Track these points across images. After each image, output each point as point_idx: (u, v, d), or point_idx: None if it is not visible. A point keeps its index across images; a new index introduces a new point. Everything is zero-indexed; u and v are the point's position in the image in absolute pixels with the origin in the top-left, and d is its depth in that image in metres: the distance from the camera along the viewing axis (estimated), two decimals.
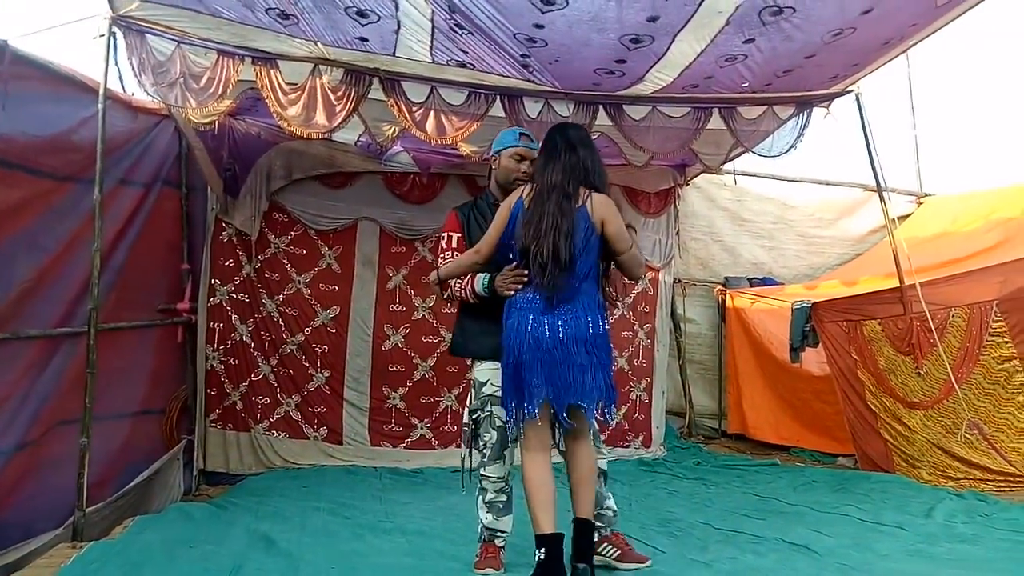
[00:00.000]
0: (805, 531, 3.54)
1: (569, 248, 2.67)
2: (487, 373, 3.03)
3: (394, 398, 5.59)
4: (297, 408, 5.40)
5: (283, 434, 5.35)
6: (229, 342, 5.26)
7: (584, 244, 2.72)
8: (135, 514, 3.87)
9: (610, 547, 3.04)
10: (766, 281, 6.94)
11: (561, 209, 2.70)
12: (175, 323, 5.04)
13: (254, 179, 5.25)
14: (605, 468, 3.14)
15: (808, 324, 5.42)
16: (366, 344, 5.59)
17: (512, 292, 2.80)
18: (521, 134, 3.17)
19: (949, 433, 4.73)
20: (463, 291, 3.01)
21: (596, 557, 2.99)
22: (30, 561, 3.04)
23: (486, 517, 3.03)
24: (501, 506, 3.03)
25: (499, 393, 2.91)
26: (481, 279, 2.94)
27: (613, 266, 2.95)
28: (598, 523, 3.01)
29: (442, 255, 3.13)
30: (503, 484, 3.03)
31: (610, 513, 3.11)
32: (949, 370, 4.70)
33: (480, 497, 3.07)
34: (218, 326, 5.23)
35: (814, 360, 5.68)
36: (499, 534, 3.03)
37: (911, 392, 4.87)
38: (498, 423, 2.98)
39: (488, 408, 3.02)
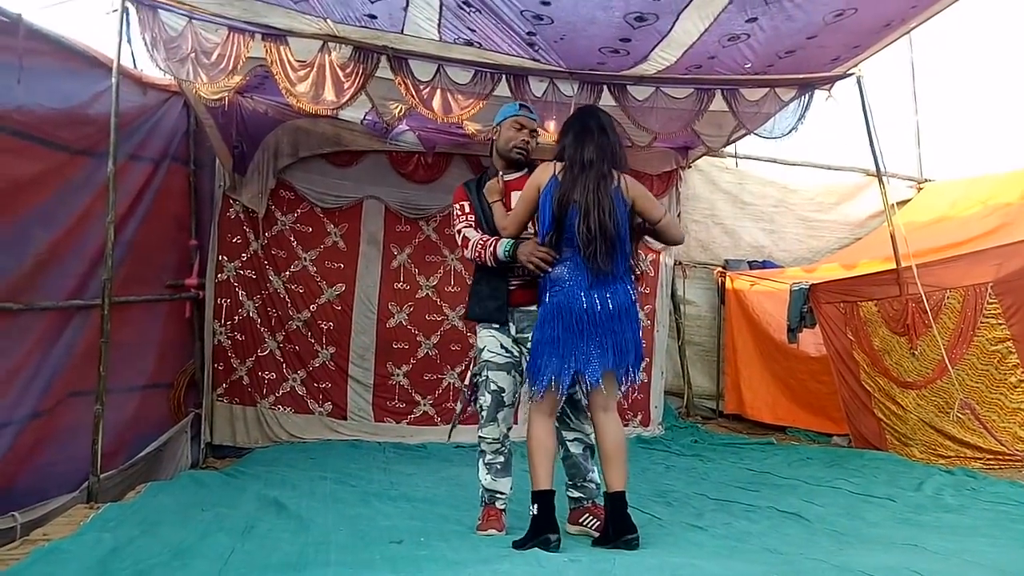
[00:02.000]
0: (797, 501, 3.65)
1: (614, 225, 2.78)
2: (484, 339, 3.15)
3: (398, 375, 5.69)
4: (302, 383, 5.50)
5: (288, 409, 5.45)
6: (236, 317, 5.35)
7: (622, 221, 2.84)
8: (146, 482, 3.98)
9: (591, 518, 3.15)
10: (766, 264, 7.01)
11: (600, 188, 2.80)
12: (183, 298, 5.13)
13: (261, 156, 5.32)
14: (592, 443, 3.21)
15: (806, 305, 5.50)
16: (371, 321, 5.68)
17: (532, 266, 2.88)
18: (521, 105, 3.26)
19: (941, 412, 4.82)
20: (483, 251, 3.05)
21: (577, 528, 3.16)
22: (50, 519, 3.15)
23: (485, 478, 3.13)
24: (499, 467, 3.13)
25: (495, 359, 3.08)
26: (504, 244, 2.99)
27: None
28: (581, 494, 3.17)
29: (456, 222, 3.21)
30: (499, 445, 3.12)
31: (592, 486, 3.20)
32: (943, 351, 4.79)
33: (480, 459, 3.17)
34: (225, 302, 5.32)
35: (811, 341, 5.77)
36: (499, 496, 3.13)
37: (905, 372, 4.96)
38: (493, 387, 3.08)
39: (484, 373, 3.12)
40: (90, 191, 3.96)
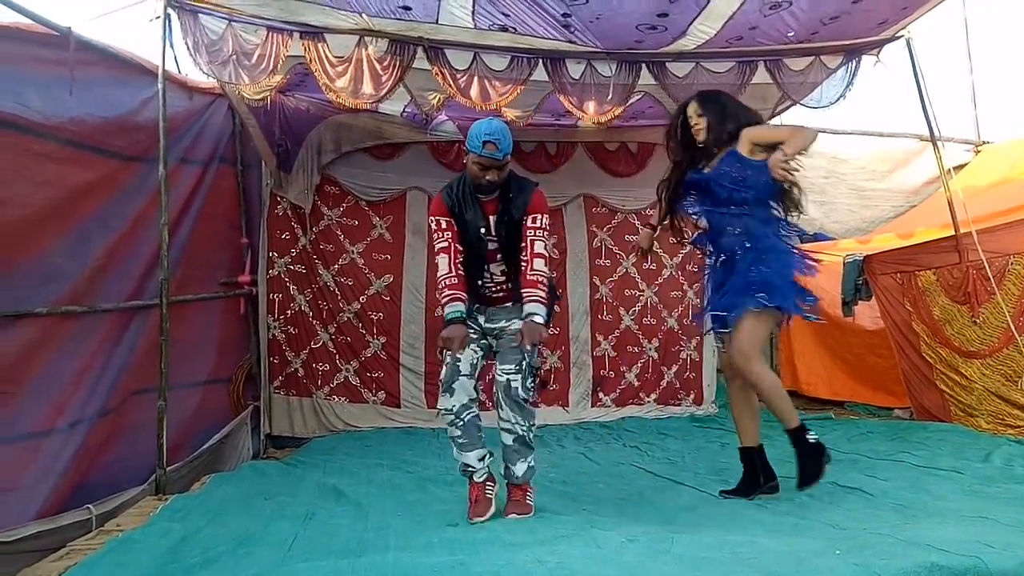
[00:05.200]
0: (859, 476, 3.57)
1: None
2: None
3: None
4: (356, 374, 5.60)
5: (343, 399, 5.55)
6: (289, 312, 5.47)
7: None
8: (210, 473, 4.11)
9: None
10: (817, 237, 6.82)
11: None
12: (237, 295, 5.26)
13: (305, 153, 5.41)
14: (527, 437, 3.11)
15: (860, 277, 5.37)
16: (419, 310, 5.74)
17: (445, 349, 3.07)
18: (485, 142, 2.99)
19: (1009, 381, 4.65)
20: (439, 296, 3.20)
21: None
22: (122, 511, 3.28)
23: (454, 451, 3.14)
24: (459, 441, 3.07)
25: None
26: (449, 312, 3.10)
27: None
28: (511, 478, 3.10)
29: (433, 241, 3.20)
30: (453, 417, 3.05)
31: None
32: (1008, 318, 4.61)
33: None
34: (278, 297, 5.43)
35: (866, 315, 5.63)
36: (468, 469, 3.10)
37: (968, 342, 4.80)
38: (447, 359, 3.08)
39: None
40: (143, 196, 4.07)
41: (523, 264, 3.11)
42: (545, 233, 3.15)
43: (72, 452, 3.43)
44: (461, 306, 3.09)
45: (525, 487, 3.13)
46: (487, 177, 3.04)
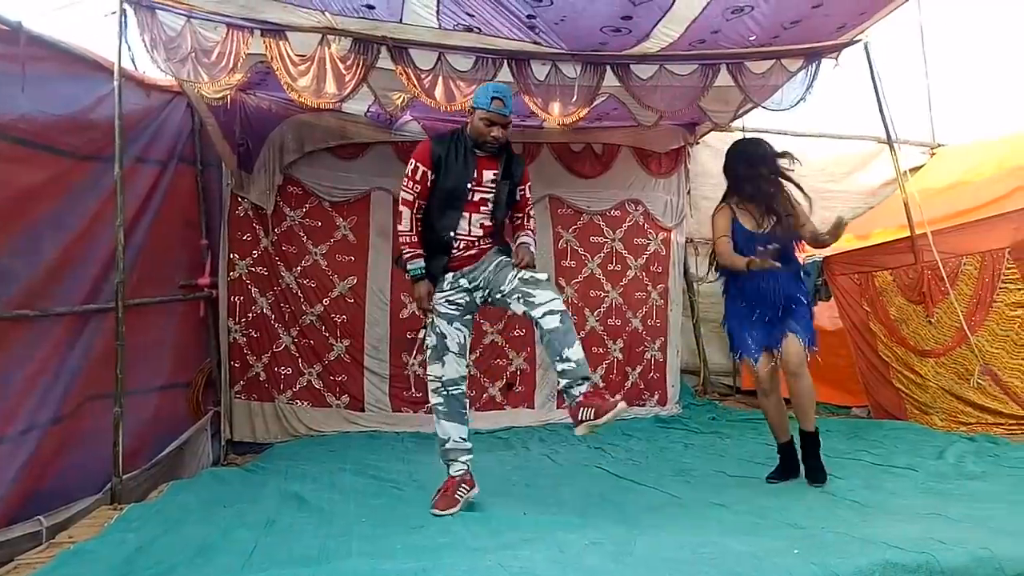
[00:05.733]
0: None
1: None
2: (435, 296, 3.32)
3: (414, 365, 5.69)
4: (319, 377, 5.53)
5: (306, 403, 5.48)
6: (250, 315, 5.37)
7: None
8: (168, 481, 4.02)
9: (588, 409, 2.95)
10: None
11: None
12: (197, 298, 5.15)
13: (267, 153, 5.32)
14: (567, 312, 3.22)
15: (820, 278, 5.46)
16: (384, 313, 5.69)
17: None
18: (494, 98, 3.19)
19: (961, 379, 4.78)
20: (401, 251, 3.37)
21: (583, 428, 2.95)
22: (75, 522, 3.19)
23: (435, 422, 3.29)
24: (440, 410, 3.26)
25: (439, 309, 3.26)
26: (413, 268, 3.28)
27: None
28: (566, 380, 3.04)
29: (403, 184, 3.28)
30: (438, 384, 3.24)
31: (572, 364, 3.04)
32: (961, 318, 4.73)
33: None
34: (239, 299, 5.34)
35: (826, 315, 5.71)
36: (447, 448, 3.24)
37: (923, 341, 4.92)
38: (437, 331, 3.25)
39: (432, 319, 3.29)
40: (98, 196, 3.98)
41: (519, 219, 3.47)
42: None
43: (23, 461, 3.34)
44: (422, 262, 3.25)
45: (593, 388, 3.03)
46: (493, 133, 3.21)
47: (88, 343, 3.95)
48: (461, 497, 3.13)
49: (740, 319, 3.73)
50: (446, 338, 3.22)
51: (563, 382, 3.06)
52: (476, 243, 3.30)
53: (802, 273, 3.94)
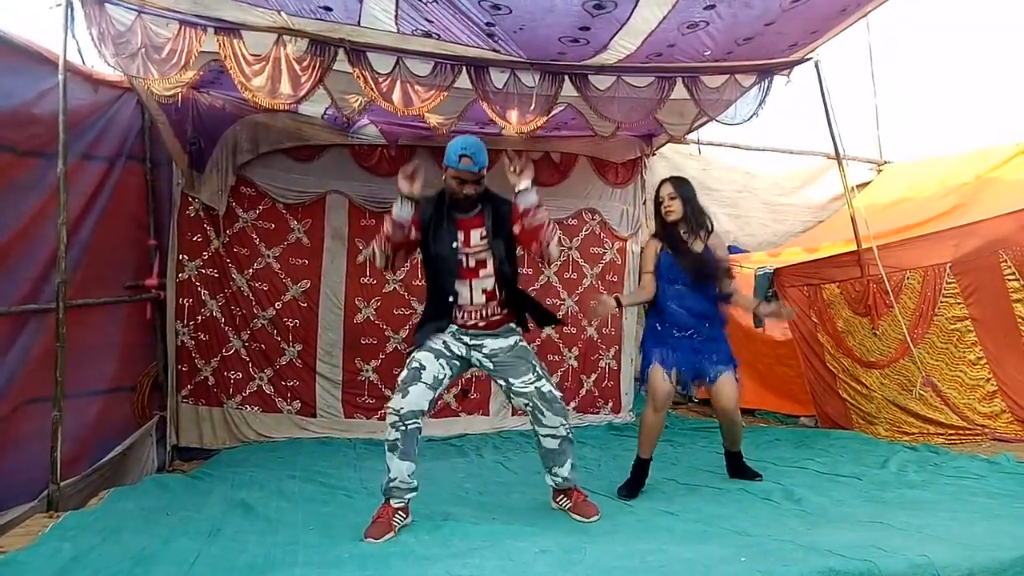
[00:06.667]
0: (766, 483, 3.70)
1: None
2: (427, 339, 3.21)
3: (367, 370, 5.64)
4: (270, 382, 5.43)
5: (256, 408, 5.37)
6: (199, 317, 5.25)
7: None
8: (109, 488, 3.89)
9: (565, 499, 3.33)
10: (731, 249, 7.04)
11: None
12: (143, 299, 5.01)
13: (220, 153, 5.22)
14: (569, 436, 3.32)
15: (771, 289, 5.56)
16: (337, 317, 5.62)
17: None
18: (461, 156, 3.09)
19: (904, 391, 4.92)
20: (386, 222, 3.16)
21: (555, 505, 3.35)
22: (7, 531, 3.07)
23: (386, 456, 3.08)
24: (397, 445, 3.02)
25: (428, 343, 3.15)
26: (399, 207, 3.09)
27: None
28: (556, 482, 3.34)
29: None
30: (396, 419, 3.01)
31: (558, 479, 3.33)
32: (905, 330, 4.88)
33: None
34: (187, 302, 5.21)
35: (776, 326, 5.84)
36: (391, 485, 3.03)
37: (868, 352, 5.05)
38: (414, 364, 3.10)
39: (414, 353, 3.17)
40: (40, 193, 3.85)
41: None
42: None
43: None
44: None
45: (577, 488, 3.33)
46: (465, 191, 3.12)
47: (27, 344, 3.82)
48: (397, 524, 2.98)
49: (655, 338, 3.83)
50: (422, 370, 3.04)
51: (549, 481, 3.36)
52: (481, 313, 3.17)
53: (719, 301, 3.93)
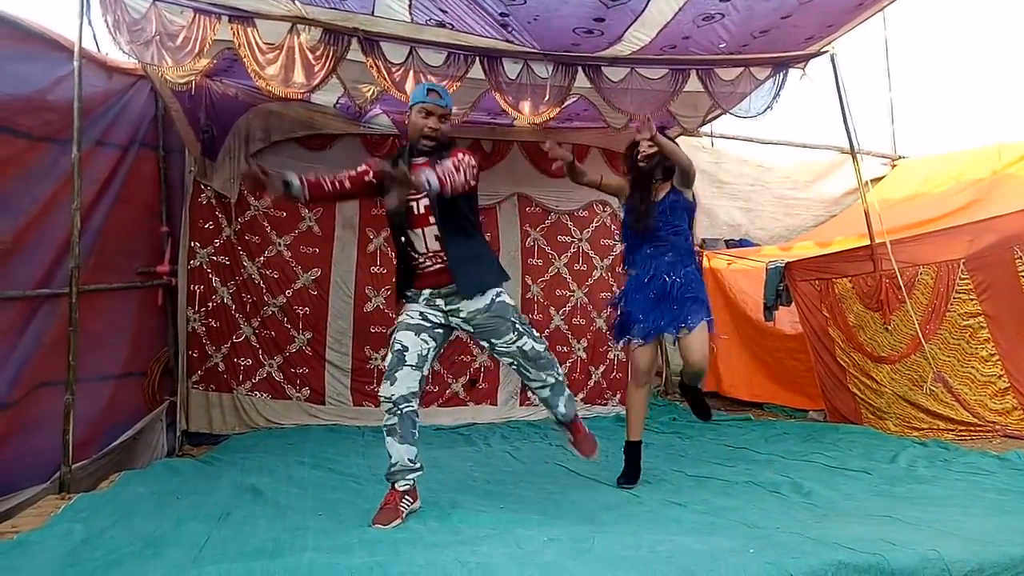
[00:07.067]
0: (774, 476, 3.68)
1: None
2: (405, 309, 3.20)
3: (376, 359, 5.66)
4: (279, 369, 5.45)
5: (265, 395, 5.40)
6: (210, 304, 5.28)
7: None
8: (119, 472, 3.92)
9: (567, 432, 3.47)
10: (742, 243, 7.05)
11: None
12: (155, 286, 5.03)
13: (232, 141, 5.23)
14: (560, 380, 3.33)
15: (782, 283, 5.54)
16: (347, 306, 5.64)
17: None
18: (429, 90, 3.14)
19: (915, 386, 4.89)
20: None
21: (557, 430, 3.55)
22: (20, 512, 3.10)
23: (385, 442, 3.03)
24: (388, 428, 2.99)
25: (405, 320, 3.10)
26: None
27: None
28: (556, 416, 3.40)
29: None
30: (391, 405, 2.97)
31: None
32: (917, 326, 4.85)
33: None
34: (199, 288, 5.24)
35: (787, 320, 5.81)
36: (394, 469, 2.99)
37: (879, 347, 5.02)
38: (396, 346, 3.03)
39: (393, 335, 3.09)
40: (55, 179, 3.87)
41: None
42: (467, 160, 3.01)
43: None
44: (295, 179, 2.93)
45: (578, 423, 3.40)
46: (429, 124, 3.07)
47: (40, 329, 3.84)
48: (405, 509, 2.97)
49: (633, 294, 3.67)
50: (405, 351, 3.00)
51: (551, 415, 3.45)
52: (439, 256, 3.09)
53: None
